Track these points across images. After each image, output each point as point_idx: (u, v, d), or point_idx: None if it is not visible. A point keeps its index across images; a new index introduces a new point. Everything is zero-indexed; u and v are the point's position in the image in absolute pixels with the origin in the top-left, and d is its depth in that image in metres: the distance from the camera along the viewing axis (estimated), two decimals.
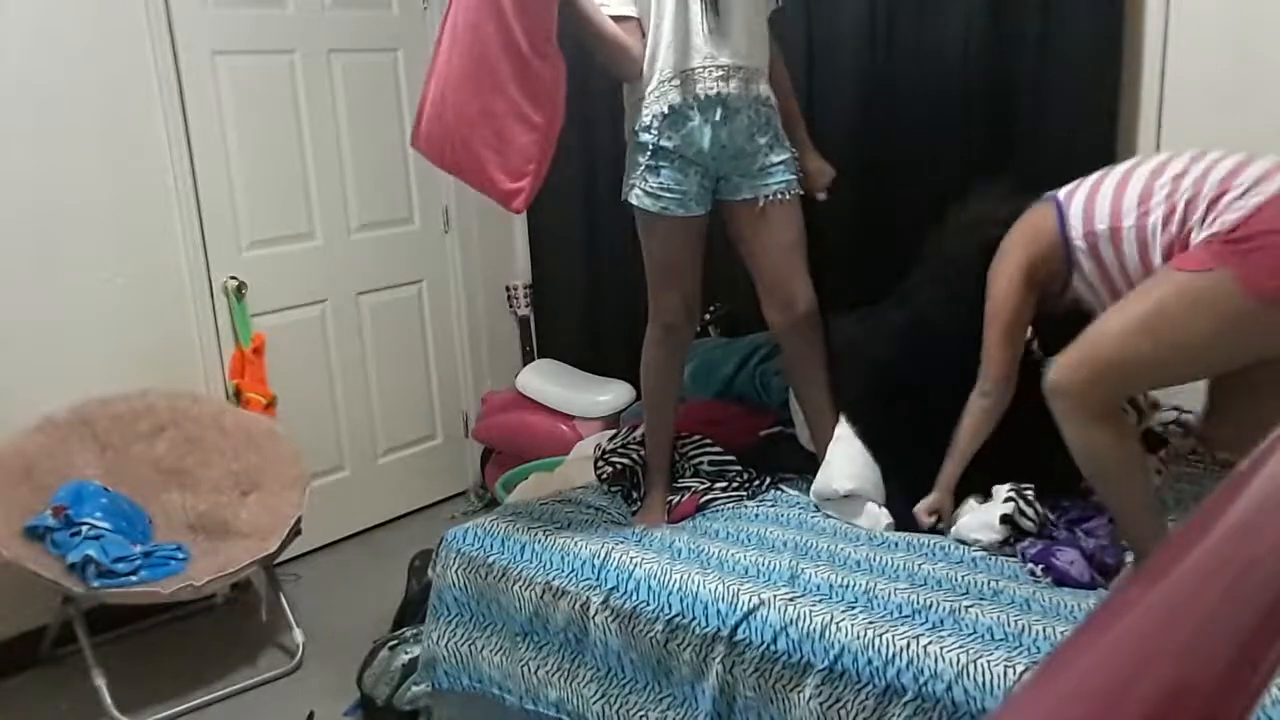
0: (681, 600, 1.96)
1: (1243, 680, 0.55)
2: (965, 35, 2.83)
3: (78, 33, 2.90)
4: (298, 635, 2.96)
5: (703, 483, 2.52)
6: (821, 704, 1.75)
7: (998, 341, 2.06)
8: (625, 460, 2.58)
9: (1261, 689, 0.56)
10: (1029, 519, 2.12)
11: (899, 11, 2.93)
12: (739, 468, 2.58)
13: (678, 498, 2.48)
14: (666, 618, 1.95)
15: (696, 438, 2.63)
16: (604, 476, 2.57)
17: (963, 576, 1.98)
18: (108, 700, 2.65)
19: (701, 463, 2.58)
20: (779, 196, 2.36)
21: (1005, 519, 2.11)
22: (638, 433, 2.63)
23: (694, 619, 1.93)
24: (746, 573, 2.01)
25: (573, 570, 2.11)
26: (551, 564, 2.14)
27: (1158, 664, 0.55)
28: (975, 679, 1.64)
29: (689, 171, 2.33)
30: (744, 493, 2.49)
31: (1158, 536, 1.83)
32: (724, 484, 2.51)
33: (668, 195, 2.34)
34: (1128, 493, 1.88)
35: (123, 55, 3.00)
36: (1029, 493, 2.16)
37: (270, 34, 3.34)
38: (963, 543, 2.16)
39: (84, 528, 2.65)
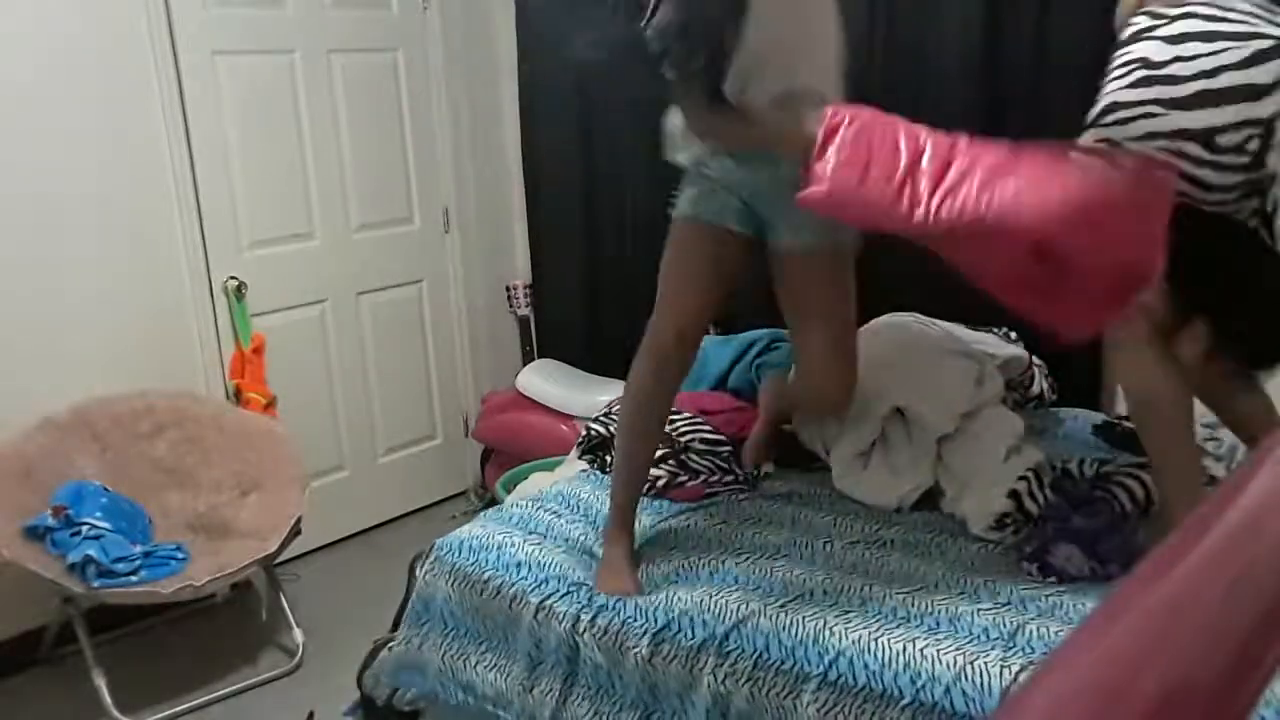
0: (665, 613, 1.93)
1: (1243, 679, 0.55)
2: (963, 34, 2.83)
3: (78, 33, 2.90)
4: (298, 635, 2.96)
5: (709, 469, 2.51)
6: (819, 710, 1.74)
7: None
8: (600, 429, 2.59)
9: (1262, 688, 0.56)
10: (1035, 503, 2.11)
11: (896, 12, 2.93)
12: (730, 448, 2.57)
13: (686, 478, 2.46)
14: (652, 631, 1.93)
15: (688, 415, 2.62)
16: (581, 443, 2.60)
17: (959, 577, 1.97)
18: (108, 700, 2.65)
19: (694, 440, 2.57)
20: (806, 248, 2.06)
21: (1013, 494, 2.10)
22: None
23: (679, 631, 1.90)
24: (736, 580, 1.99)
25: (566, 592, 2.07)
26: (547, 584, 2.10)
27: (1158, 662, 0.55)
28: (973, 681, 1.64)
29: (719, 191, 2.07)
30: (745, 485, 2.49)
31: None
32: (730, 478, 2.50)
33: (698, 202, 2.09)
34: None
35: (123, 55, 3.00)
36: (1045, 477, 2.15)
37: (270, 34, 3.34)
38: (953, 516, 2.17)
39: (84, 528, 2.65)
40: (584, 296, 3.86)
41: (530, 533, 2.27)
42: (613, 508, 2.21)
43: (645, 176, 3.56)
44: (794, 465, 2.58)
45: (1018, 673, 1.62)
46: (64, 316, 2.96)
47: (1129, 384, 1.82)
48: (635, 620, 1.96)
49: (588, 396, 3.50)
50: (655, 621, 1.94)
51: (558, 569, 2.13)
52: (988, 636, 1.73)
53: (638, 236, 3.65)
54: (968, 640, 1.73)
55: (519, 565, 2.16)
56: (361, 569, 3.53)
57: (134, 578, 2.64)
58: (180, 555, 2.77)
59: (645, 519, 2.33)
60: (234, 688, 2.84)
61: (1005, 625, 1.76)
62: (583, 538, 2.26)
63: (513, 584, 2.13)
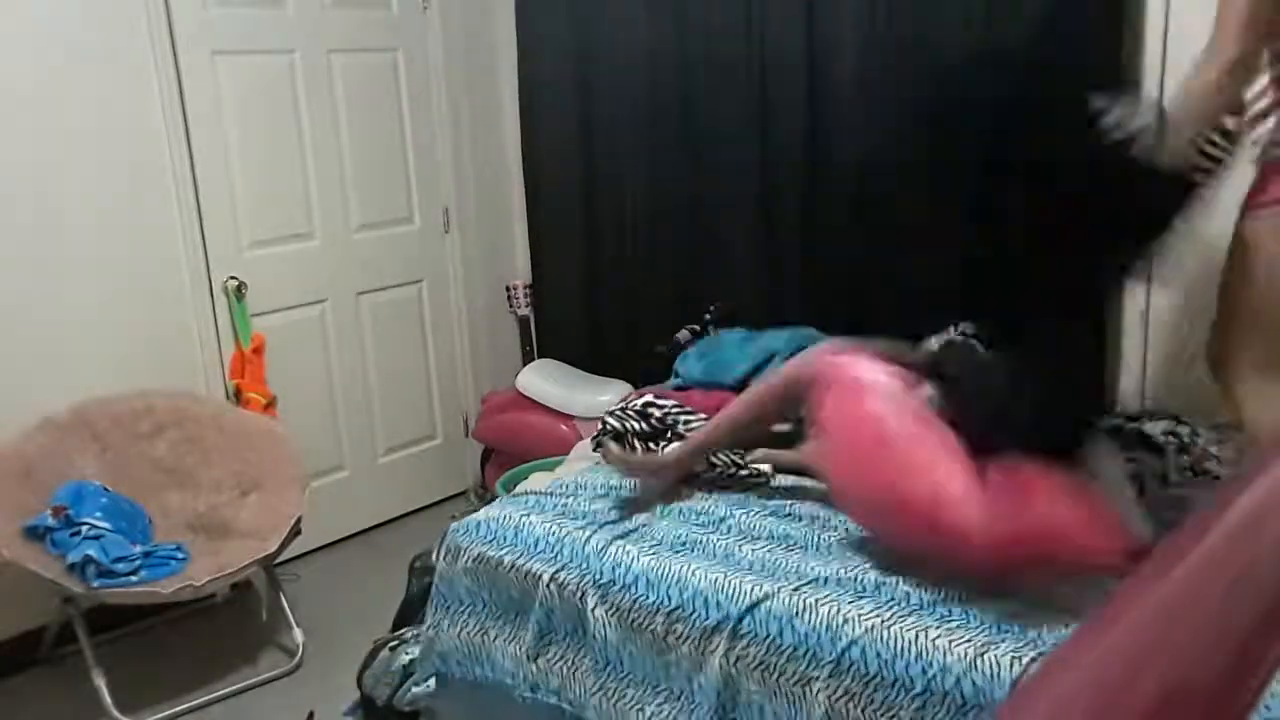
0: (680, 592, 1.96)
1: (1243, 679, 0.55)
2: (964, 34, 2.83)
3: (78, 33, 2.90)
4: (298, 635, 2.96)
5: (725, 463, 2.50)
6: (829, 697, 1.75)
7: None
8: (615, 423, 2.59)
9: (1262, 688, 0.56)
10: None
11: (899, 13, 2.93)
12: (744, 449, 2.57)
13: (702, 469, 2.45)
14: (666, 610, 1.95)
15: (703, 416, 2.62)
16: (596, 436, 2.61)
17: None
18: (108, 700, 2.65)
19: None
20: None
21: None
22: (638, 401, 2.65)
23: (694, 611, 1.93)
24: (751, 566, 2.01)
25: (577, 563, 2.12)
26: (562, 555, 2.15)
27: (1159, 662, 0.55)
28: (983, 671, 1.65)
29: None
30: (761, 482, 2.48)
31: None
32: (744, 473, 2.50)
33: None
34: None
35: (123, 55, 3.00)
36: None
37: (270, 34, 3.34)
38: None
39: (84, 528, 2.65)
40: (584, 296, 3.86)
41: (546, 512, 2.30)
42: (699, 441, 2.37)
43: (645, 176, 3.57)
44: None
45: (1028, 664, 1.63)
46: (64, 316, 2.96)
47: (1257, 422, 1.63)
48: (648, 597, 1.99)
49: (588, 396, 3.50)
50: (669, 599, 1.96)
51: (573, 542, 2.16)
52: (999, 627, 1.74)
53: (638, 236, 3.65)
54: (979, 630, 1.73)
55: (536, 540, 2.20)
56: (361, 569, 3.53)
57: (134, 578, 2.64)
58: (180, 555, 2.77)
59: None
60: (234, 688, 2.84)
61: (1016, 617, 1.76)
62: (600, 513, 2.28)
63: (531, 556, 2.18)
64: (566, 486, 2.46)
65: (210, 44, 3.18)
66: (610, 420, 2.64)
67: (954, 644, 1.70)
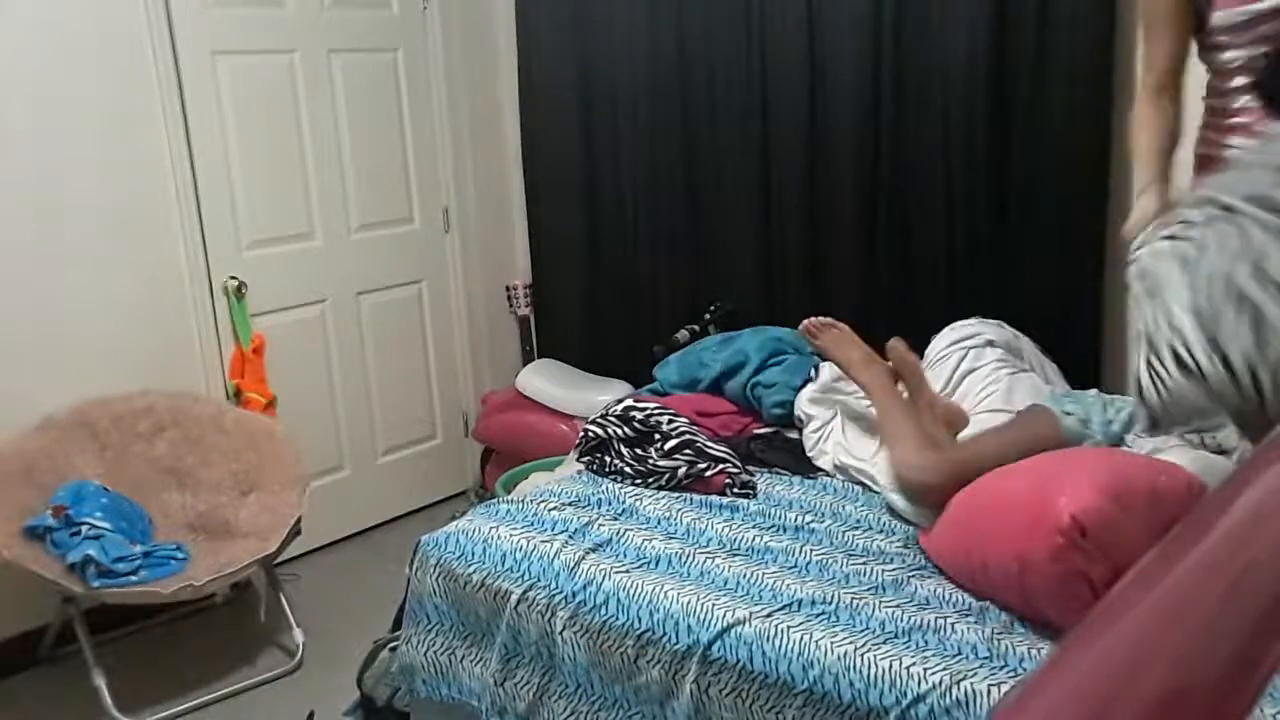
0: (651, 615, 1.91)
1: (1242, 682, 0.54)
2: (969, 29, 2.83)
3: (78, 33, 2.90)
4: (298, 635, 2.96)
5: (726, 455, 2.49)
6: None
7: None
8: (598, 431, 2.58)
9: (1260, 691, 0.56)
10: None
11: (900, 12, 2.93)
12: (731, 449, 2.57)
13: (704, 465, 2.44)
14: (636, 632, 1.91)
15: (685, 420, 2.61)
16: (579, 445, 2.59)
17: (951, 593, 1.94)
18: (108, 700, 2.66)
19: (697, 442, 2.56)
20: None
21: None
22: (618, 407, 2.64)
23: (664, 635, 1.88)
24: (725, 585, 1.97)
25: (545, 581, 2.07)
26: (529, 574, 2.10)
27: (1157, 666, 0.55)
28: (958, 700, 1.61)
29: None
30: (752, 488, 2.48)
31: None
32: (735, 469, 2.49)
33: None
34: None
35: (123, 55, 3.00)
36: None
37: (270, 34, 3.34)
38: None
39: (84, 528, 2.65)
40: (584, 296, 3.86)
41: (518, 526, 2.26)
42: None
43: (645, 176, 3.57)
44: (792, 470, 2.58)
45: (1005, 691, 1.60)
46: (64, 317, 2.96)
47: None
48: (619, 619, 1.94)
49: (588, 396, 3.50)
50: (640, 622, 1.92)
51: (542, 558, 2.12)
52: (976, 654, 1.71)
53: (638, 236, 3.65)
54: (955, 658, 1.70)
55: (504, 557, 2.15)
56: (361, 569, 3.53)
57: (134, 578, 2.64)
58: (180, 555, 2.77)
59: (654, 508, 2.33)
60: (234, 688, 2.84)
61: (995, 643, 1.74)
62: (573, 527, 2.24)
63: (497, 575, 2.13)
64: (549, 494, 2.41)
65: (210, 44, 3.18)
66: (592, 428, 2.62)
67: (929, 672, 1.67)
